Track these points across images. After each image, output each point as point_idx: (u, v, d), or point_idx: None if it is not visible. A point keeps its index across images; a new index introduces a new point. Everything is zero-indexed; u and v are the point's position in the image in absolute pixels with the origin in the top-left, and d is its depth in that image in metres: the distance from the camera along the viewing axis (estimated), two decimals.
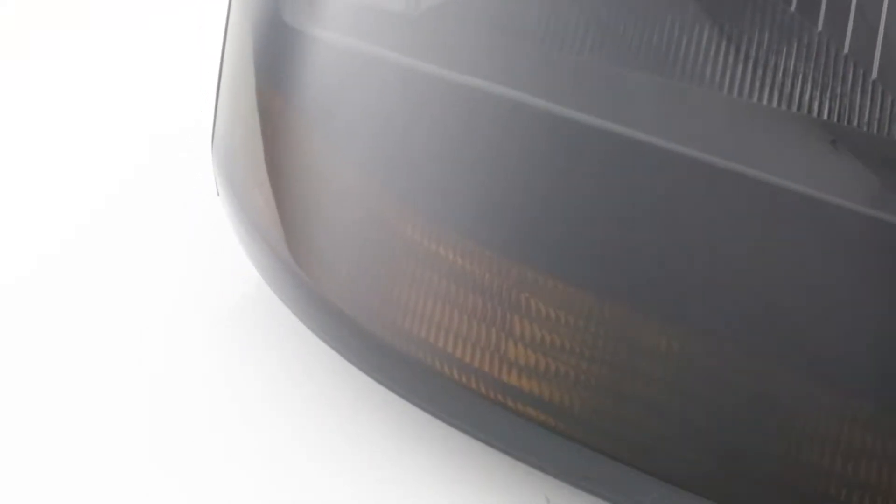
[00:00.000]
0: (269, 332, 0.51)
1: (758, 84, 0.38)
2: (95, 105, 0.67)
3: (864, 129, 0.37)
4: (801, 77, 0.38)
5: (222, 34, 0.53)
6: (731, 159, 0.38)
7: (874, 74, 0.37)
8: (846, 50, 0.37)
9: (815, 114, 0.37)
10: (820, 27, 0.38)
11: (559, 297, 0.41)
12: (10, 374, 0.50)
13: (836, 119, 0.37)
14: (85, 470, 0.46)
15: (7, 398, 0.49)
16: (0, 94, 0.68)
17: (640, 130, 0.39)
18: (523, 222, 0.41)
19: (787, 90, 0.38)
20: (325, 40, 0.47)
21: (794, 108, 0.38)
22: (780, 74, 0.38)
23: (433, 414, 0.44)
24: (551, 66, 0.41)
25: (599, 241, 0.40)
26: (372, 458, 0.46)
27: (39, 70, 0.70)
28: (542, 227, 0.41)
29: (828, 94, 0.37)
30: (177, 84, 0.69)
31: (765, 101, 0.38)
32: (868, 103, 0.37)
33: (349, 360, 0.46)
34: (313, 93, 0.47)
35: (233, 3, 0.53)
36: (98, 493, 0.45)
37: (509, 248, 0.42)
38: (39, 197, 0.61)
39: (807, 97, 0.37)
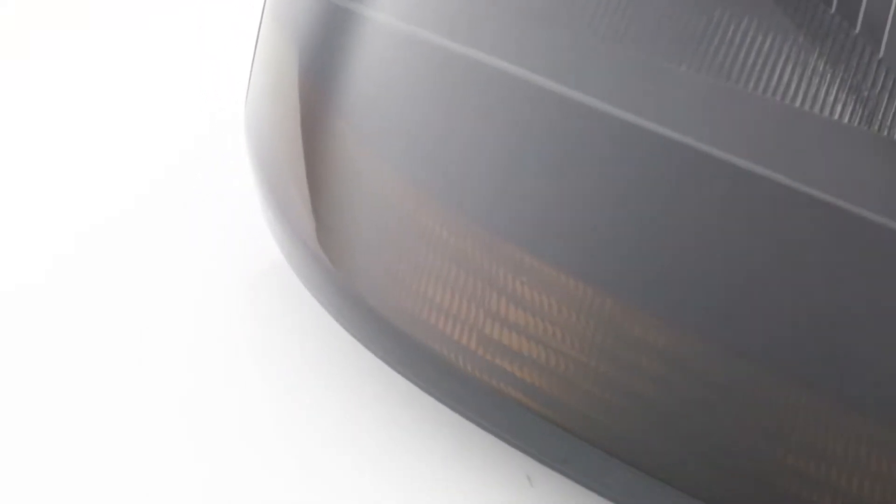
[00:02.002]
0: (287, 313, 0.52)
1: (784, 82, 0.38)
2: (95, 105, 0.67)
3: (886, 133, 0.37)
4: (828, 77, 0.38)
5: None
6: (743, 157, 0.38)
7: None
8: (881, 54, 0.37)
9: (837, 115, 0.37)
10: (858, 29, 0.38)
11: (548, 283, 0.41)
12: (51, 347, 0.52)
13: (857, 122, 0.37)
14: (98, 444, 0.47)
15: (45, 366, 0.51)
16: None
17: (661, 125, 0.39)
18: (544, 217, 0.42)
19: (812, 89, 0.38)
20: (361, 16, 0.47)
21: (819, 109, 0.38)
22: (810, 74, 0.38)
23: (429, 393, 0.45)
24: (585, 56, 0.41)
25: (596, 231, 0.40)
26: (362, 432, 0.47)
27: (39, 70, 0.69)
28: (547, 215, 0.41)
29: (854, 97, 0.37)
30: (177, 83, 0.68)
31: (787, 100, 0.38)
32: (893, 109, 0.37)
33: (354, 335, 0.47)
34: (341, 68, 0.47)
35: None
36: (115, 465, 0.47)
37: (513, 234, 0.42)
38: (43, 194, 0.61)
39: (832, 98, 0.38)
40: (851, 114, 0.37)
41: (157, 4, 0.73)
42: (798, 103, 0.38)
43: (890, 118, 0.37)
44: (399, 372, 0.46)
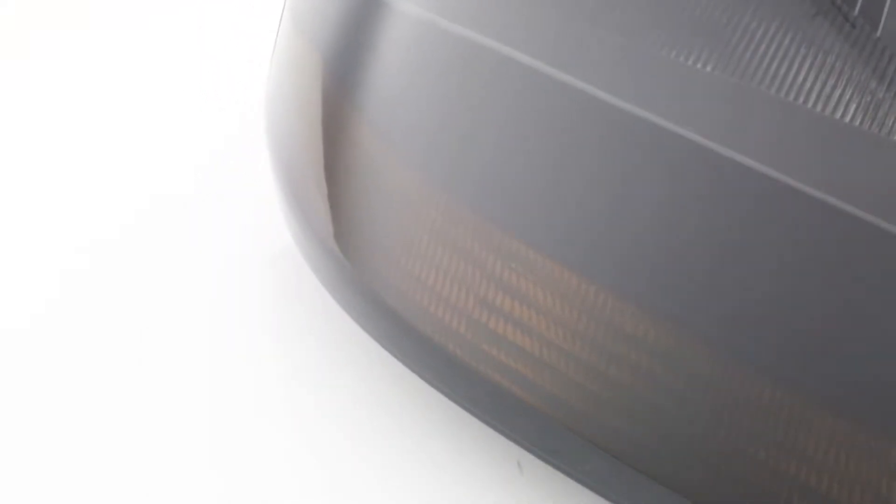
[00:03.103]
0: (300, 306, 0.53)
1: (799, 82, 0.38)
2: (95, 105, 0.67)
3: None
4: (846, 80, 0.38)
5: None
6: (756, 158, 0.38)
7: None
8: None
9: (852, 117, 0.37)
10: (879, 32, 0.38)
11: (559, 283, 0.41)
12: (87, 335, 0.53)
13: (875, 126, 0.37)
14: (112, 432, 0.49)
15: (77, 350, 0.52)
16: None
17: (675, 123, 0.39)
18: (560, 218, 0.42)
19: (827, 90, 0.38)
20: (385, 6, 0.47)
21: (836, 111, 0.38)
22: (826, 75, 0.38)
23: (424, 378, 0.46)
24: (608, 52, 0.41)
25: (596, 225, 0.41)
26: (361, 417, 0.49)
27: (39, 70, 0.69)
28: (571, 219, 0.41)
29: (872, 100, 0.37)
30: (177, 84, 0.68)
31: (806, 102, 0.38)
32: None
33: (364, 327, 0.48)
34: (361, 64, 0.47)
35: None
36: (125, 451, 0.48)
37: (514, 226, 0.42)
38: (46, 193, 0.61)
39: (846, 98, 0.38)
40: (869, 117, 0.37)
41: (158, 4, 0.73)
42: (815, 105, 0.38)
43: None
44: (401, 361, 0.46)
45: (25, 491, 0.47)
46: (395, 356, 0.47)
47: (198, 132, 0.64)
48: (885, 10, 0.38)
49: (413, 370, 0.46)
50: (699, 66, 0.39)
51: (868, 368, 0.36)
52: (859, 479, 0.37)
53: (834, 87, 0.38)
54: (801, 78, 0.38)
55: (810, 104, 0.38)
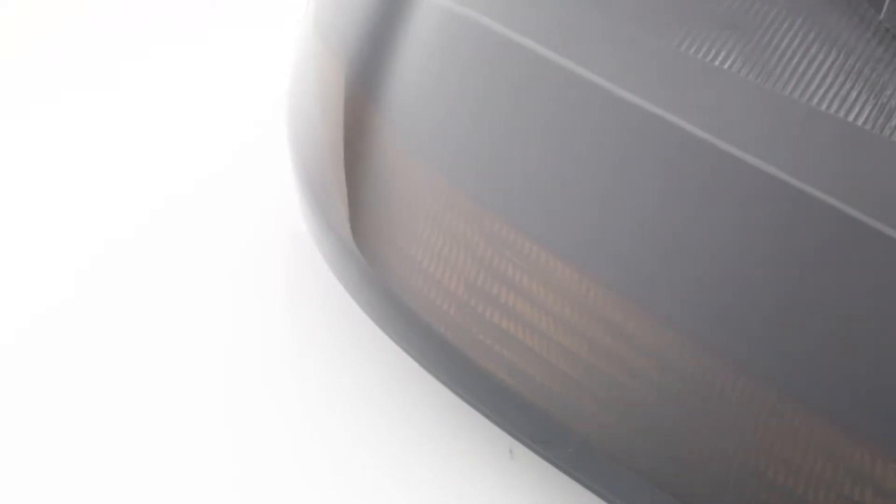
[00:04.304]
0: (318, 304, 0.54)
1: (814, 84, 0.38)
2: (96, 106, 0.67)
3: None
4: (863, 84, 0.37)
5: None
6: (766, 160, 0.38)
7: None
8: None
9: (868, 121, 0.37)
10: None
11: (547, 273, 0.41)
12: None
13: (882, 129, 0.37)
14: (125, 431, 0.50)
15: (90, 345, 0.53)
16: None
17: (694, 124, 0.39)
18: (581, 224, 0.41)
19: (842, 93, 0.38)
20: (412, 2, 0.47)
21: (853, 115, 0.37)
22: (844, 77, 0.38)
23: (430, 372, 0.46)
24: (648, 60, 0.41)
25: (595, 222, 0.40)
26: (357, 403, 0.50)
27: (38, 71, 0.69)
28: (590, 225, 0.41)
29: (886, 102, 0.37)
30: (192, 84, 0.68)
31: (825, 105, 0.38)
32: None
33: (379, 324, 0.48)
34: (384, 63, 0.47)
35: None
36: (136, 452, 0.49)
37: (517, 219, 0.42)
38: (49, 195, 0.61)
39: (861, 101, 0.37)
40: (884, 122, 0.37)
41: (159, 4, 0.73)
42: (829, 106, 0.38)
43: None
44: (409, 354, 0.47)
45: (43, 483, 0.48)
46: (404, 350, 0.47)
47: (212, 132, 0.64)
48: None
49: (421, 364, 0.46)
50: (727, 67, 0.39)
51: (863, 375, 0.36)
52: (854, 488, 0.36)
53: (851, 90, 0.38)
54: (819, 78, 0.38)
55: (825, 105, 0.38)
